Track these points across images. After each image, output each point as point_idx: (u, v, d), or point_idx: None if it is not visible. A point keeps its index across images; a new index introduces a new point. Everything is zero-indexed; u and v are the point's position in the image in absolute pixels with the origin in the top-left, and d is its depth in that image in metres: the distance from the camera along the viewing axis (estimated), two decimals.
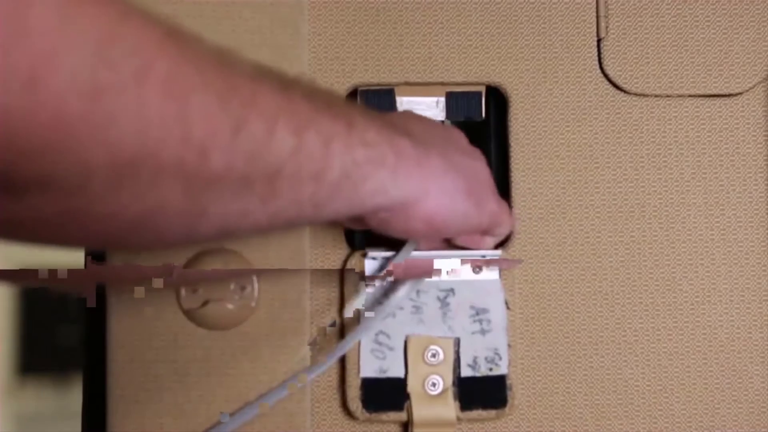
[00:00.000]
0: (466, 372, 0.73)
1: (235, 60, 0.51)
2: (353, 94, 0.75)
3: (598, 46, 0.76)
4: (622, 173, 0.76)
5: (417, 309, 0.73)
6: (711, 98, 0.76)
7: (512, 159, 0.75)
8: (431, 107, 0.75)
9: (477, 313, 0.73)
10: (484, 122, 0.76)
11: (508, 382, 0.74)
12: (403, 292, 0.72)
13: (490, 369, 0.73)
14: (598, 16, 0.76)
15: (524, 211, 0.75)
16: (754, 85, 0.76)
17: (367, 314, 0.72)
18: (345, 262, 0.73)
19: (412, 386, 0.73)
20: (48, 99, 0.41)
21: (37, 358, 2.67)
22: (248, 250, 0.72)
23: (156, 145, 0.45)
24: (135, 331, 0.71)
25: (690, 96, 0.76)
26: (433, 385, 0.73)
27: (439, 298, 0.73)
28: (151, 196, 0.47)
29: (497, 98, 0.76)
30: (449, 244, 0.71)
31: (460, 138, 0.71)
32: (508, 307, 0.74)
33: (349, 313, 0.73)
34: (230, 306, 0.71)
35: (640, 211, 0.76)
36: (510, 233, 0.74)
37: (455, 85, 0.75)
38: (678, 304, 0.75)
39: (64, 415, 2.57)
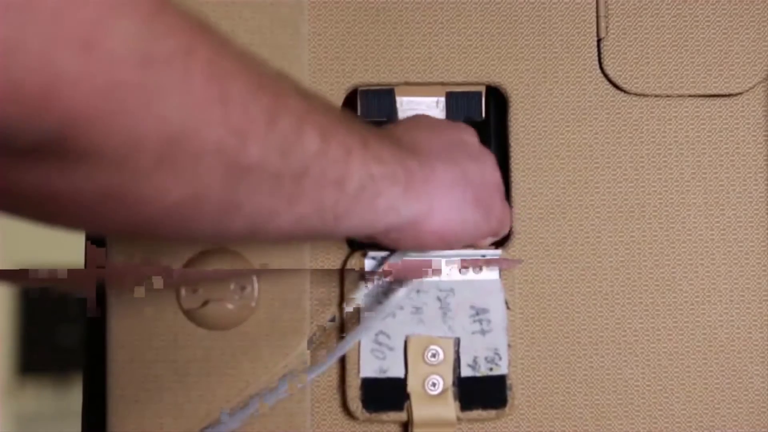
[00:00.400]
0: (466, 372, 0.73)
1: (259, 59, 0.52)
2: (353, 94, 0.75)
3: (598, 46, 0.76)
4: (622, 173, 0.76)
5: (417, 309, 0.73)
6: (711, 98, 0.76)
7: (512, 159, 0.75)
8: (431, 107, 0.75)
9: (477, 313, 0.73)
10: (484, 122, 0.76)
11: (508, 382, 0.74)
12: (403, 292, 0.72)
13: (490, 369, 0.73)
14: (598, 16, 0.76)
15: (524, 211, 0.75)
16: (754, 85, 0.76)
17: (367, 314, 0.72)
18: (345, 262, 0.73)
19: (412, 386, 0.73)
20: (103, 64, 0.41)
21: (37, 358, 2.67)
22: (248, 250, 0.72)
23: (198, 124, 0.46)
24: (135, 331, 0.71)
25: (690, 96, 0.76)
26: (433, 385, 0.73)
27: (439, 298, 0.73)
28: (193, 180, 0.48)
29: (497, 98, 0.76)
30: None
31: (469, 138, 0.72)
32: (508, 307, 0.74)
33: (349, 308, 0.73)
34: (230, 306, 0.71)
35: (640, 211, 0.76)
36: (509, 232, 0.74)
37: (455, 85, 0.75)
38: (678, 304, 0.75)
39: (64, 415, 2.58)
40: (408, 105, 0.75)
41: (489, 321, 0.73)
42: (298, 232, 0.57)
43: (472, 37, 0.75)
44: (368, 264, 0.72)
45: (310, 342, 0.73)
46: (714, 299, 0.76)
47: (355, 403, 0.73)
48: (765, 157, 0.76)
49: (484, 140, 0.76)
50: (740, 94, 0.76)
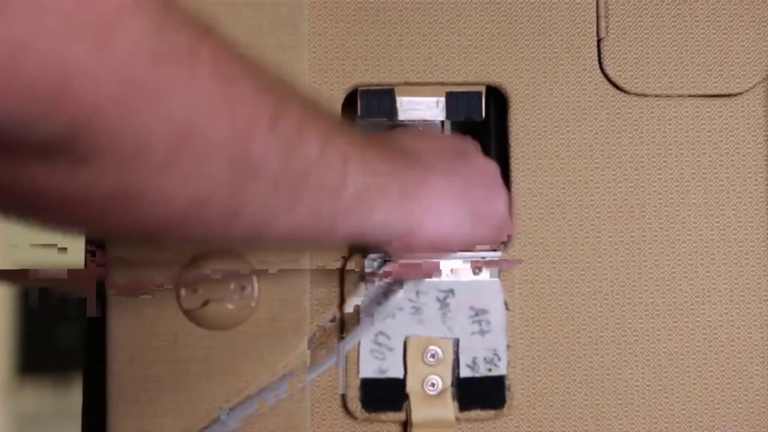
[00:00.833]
0: (465, 372, 0.73)
1: (260, 62, 0.52)
2: (353, 94, 0.75)
3: (598, 46, 0.76)
4: (622, 173, 0.76)
5: (416, 310, 0.73)
6: (711, 98, 0.76)
7: (512, 159, 0.75)
8: (431, 107, 0.75)
9: (476, 314, 0.73)
10: (484, 122, 0.76)
11: (507, 382, 0.74)
12: (402, 292, 0.72)
13: (489, 369, 0.73)
14: (598, 16, 0.76)
15: (524, 211, 0.75)
16: (754, 85, 0.76)
17: (367, 315, 0.72)
18: (345, 262, 0.73)
19: (411, 386, 0.73)
20: (115, 61, 0.42)
21: (37, 358, 2.67)
22: (248, 250, 0.72)
23: (204, 122, 0.46)
24: (135, 331, 0.71)
25: (690, 96, 0.76)
26: (432, 385, 0.73)
27: (438, 299, 0.73)
28: (200, 180, 0.48)
29: (497, 98, 0.76)
30: None
31: (473, 149, 0.72)
32: (507, 308, 0.74)
33: (349, 308, 0.73)
34: (230, 306, 0.71)
35: (640, 211, 0.76)
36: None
37: (455, 85, 0.75)
38: (678, 304, 0.75)
39: (64, 415, 2.57)
40: (408, 105, 0.75)
41: (488, 322, 0.73)
42: (295, 238, 0.58)
43: (472, 37, 0.75)
44: (368, 264, 0.72)
45: (310, 342, 0.73)
46: (714, 299, 0.76)
47: (355, 403, 0.73)
48: (765, 157, 0.76)
49: (485, 140, 0.76)
50: (740, 94, 0.76)
